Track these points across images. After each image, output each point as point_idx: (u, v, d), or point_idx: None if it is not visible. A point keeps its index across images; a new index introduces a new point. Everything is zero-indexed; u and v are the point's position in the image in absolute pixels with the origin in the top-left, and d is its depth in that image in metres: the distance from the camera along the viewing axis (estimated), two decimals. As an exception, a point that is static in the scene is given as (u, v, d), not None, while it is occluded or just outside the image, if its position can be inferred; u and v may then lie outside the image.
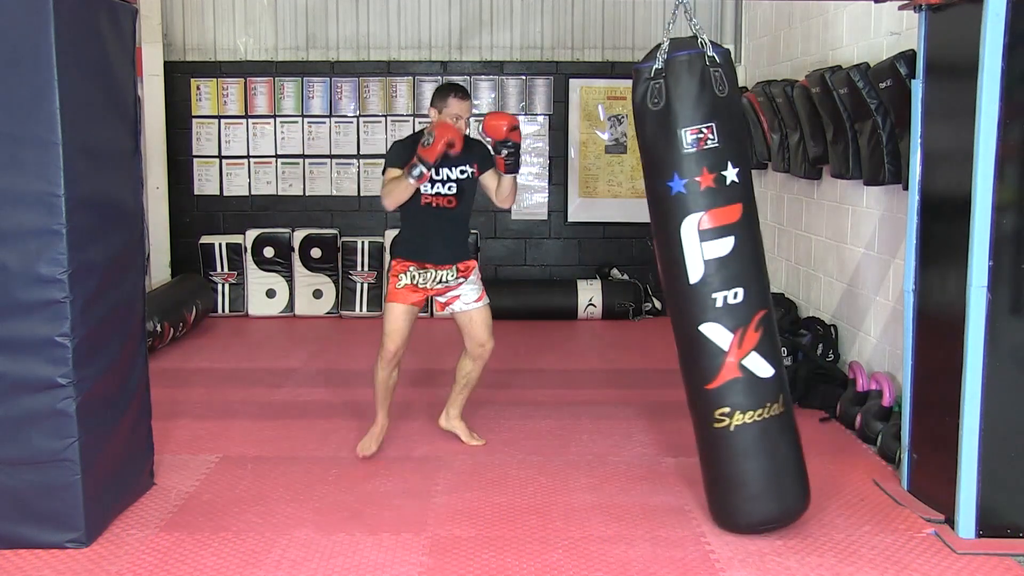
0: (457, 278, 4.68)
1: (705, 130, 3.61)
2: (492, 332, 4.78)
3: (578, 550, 3.71)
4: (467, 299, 4.71)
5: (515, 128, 4.46)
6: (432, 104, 4.56)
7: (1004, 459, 3.77)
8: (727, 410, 3.69)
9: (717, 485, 3.83)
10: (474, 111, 7.86)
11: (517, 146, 4.50)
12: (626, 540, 3.80)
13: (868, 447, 4.91)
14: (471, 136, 4.68)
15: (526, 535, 3.85)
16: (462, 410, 5.03)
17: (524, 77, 8.79)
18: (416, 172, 4.34)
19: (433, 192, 4.58)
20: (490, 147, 4.62)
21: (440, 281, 4.65)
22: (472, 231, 4.98)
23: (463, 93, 4.56)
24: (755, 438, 3.69)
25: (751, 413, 3.67)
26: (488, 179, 4.70)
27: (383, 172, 4.57)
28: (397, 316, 4.60)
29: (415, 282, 4.62)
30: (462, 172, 4.62)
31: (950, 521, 3.87)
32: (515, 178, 4.67)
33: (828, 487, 4.32)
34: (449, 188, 4.60)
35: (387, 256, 8.53)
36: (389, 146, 4.66)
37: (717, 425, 3.72)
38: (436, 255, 4.64)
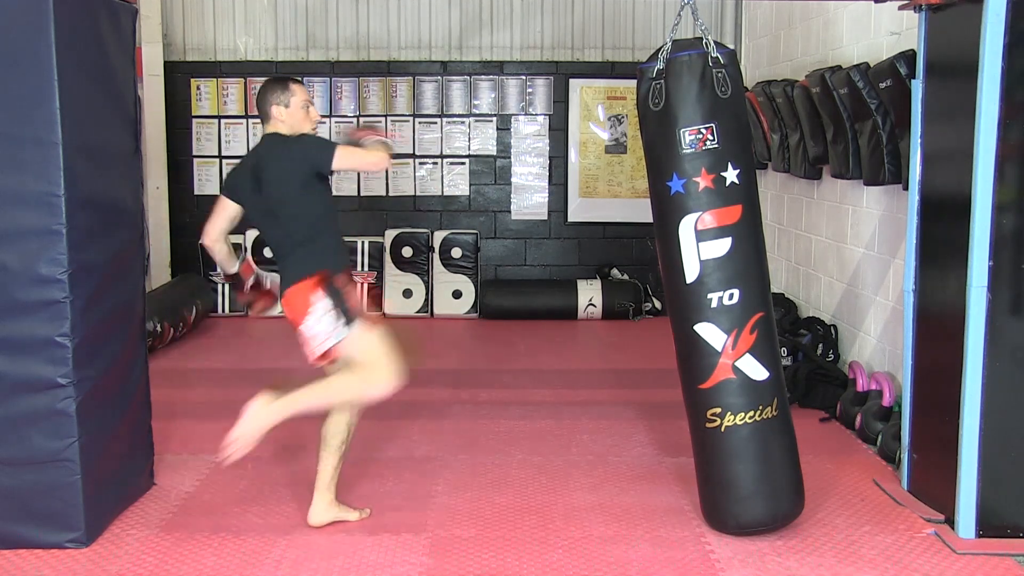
0: None
1: (705, 131, 3.60)
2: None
3: (578, 550, 3.71)
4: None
5: None
6: (272, 102, 3.75)
7: (1004, 459, 3.77)
8: (719, 410, 3.68)
9: (708, 485, 3.83)
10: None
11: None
12: (626, 540, 3.80)
13: (868, 447, 4.91)
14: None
15: (526, 535, 3.85)
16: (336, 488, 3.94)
17: (524, 77, 8.79)
18: (390, 141, 3.91)
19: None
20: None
21: None
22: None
23: (297, 79, 3.89)
24: (746, 440, 3.69)
25: (743, 415, 3.67)
26: None
27: (335, 150, 3.81)
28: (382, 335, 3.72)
29: None
30: None
31: (950, 521, 3.87)
32: None
33: (828, 487, 4.32)
34: None
35: (387, 258, 8.54)
36: (322, 138, 4.05)
37: (709, 425, 3.72)
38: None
